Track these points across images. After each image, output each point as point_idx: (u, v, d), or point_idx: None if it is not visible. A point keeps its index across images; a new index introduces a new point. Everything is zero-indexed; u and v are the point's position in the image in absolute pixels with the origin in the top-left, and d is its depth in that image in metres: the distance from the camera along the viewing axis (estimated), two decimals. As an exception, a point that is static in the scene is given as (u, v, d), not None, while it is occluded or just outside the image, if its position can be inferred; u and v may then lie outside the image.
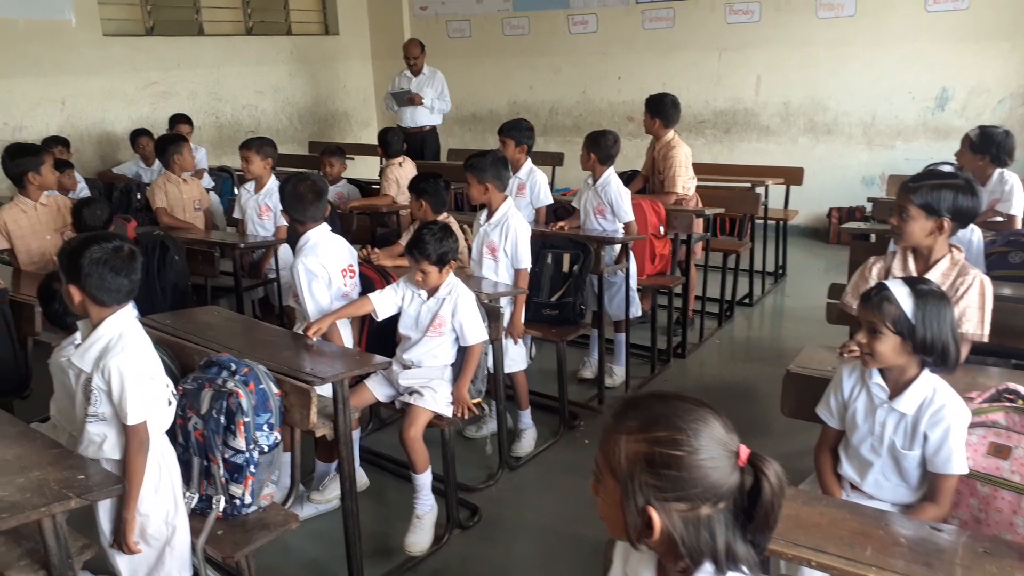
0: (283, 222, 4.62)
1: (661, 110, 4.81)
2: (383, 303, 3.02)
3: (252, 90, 7.90)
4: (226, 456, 2.33)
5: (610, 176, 4.11)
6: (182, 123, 6.33)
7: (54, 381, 2.49)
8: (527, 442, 3.68)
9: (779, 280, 6.18)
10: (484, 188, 3.60)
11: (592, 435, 3.85)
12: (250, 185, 4.66)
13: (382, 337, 3.28)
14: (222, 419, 2.32)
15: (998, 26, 6.26)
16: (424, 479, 2.94)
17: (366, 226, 5.20)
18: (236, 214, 4.70)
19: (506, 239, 3.54)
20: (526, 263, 3.57)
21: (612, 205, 4.07)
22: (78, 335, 2.22)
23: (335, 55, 8.76)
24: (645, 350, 4.58)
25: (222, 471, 2.32)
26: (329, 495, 3.14)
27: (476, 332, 2.99)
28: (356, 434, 3.04)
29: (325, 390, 2.47)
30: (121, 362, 2.07)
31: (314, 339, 2.77)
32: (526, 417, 3.72)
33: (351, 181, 5.94)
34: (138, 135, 6.24)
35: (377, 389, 3.08)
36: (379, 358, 2.70)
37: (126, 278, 2.11)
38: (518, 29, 8.32)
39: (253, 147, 4.54)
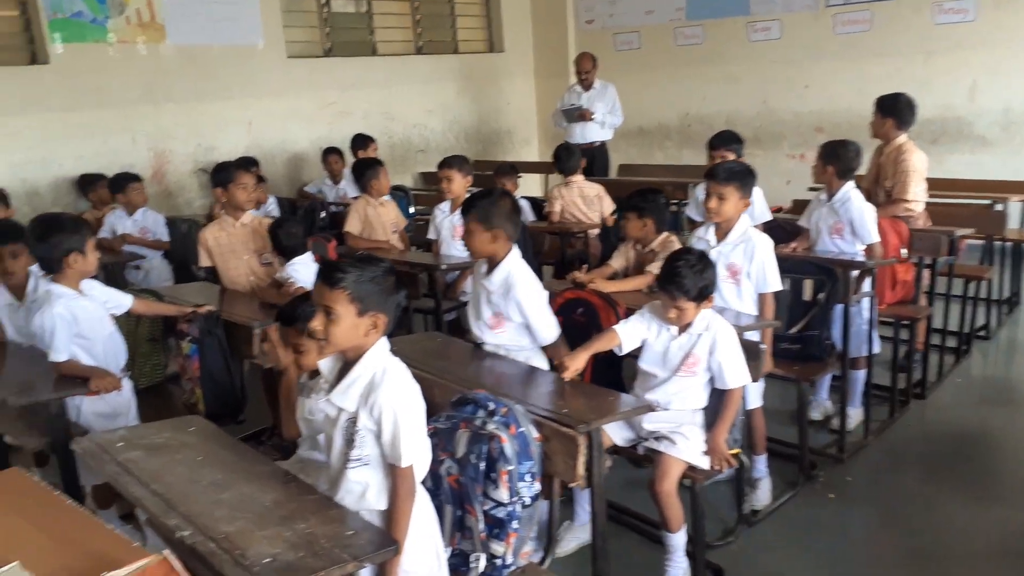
0: None
1: (895, 109, 4.27)
2: (629, 336, 2.68)
3: (421, 109, 7.87)
4: (486, 508, 2.05)
5: (850, 191, 3.62)
6: (371, 143, 6.33)
7: (301, 423, 2.28)
8: (764, 493, 3.24)
9: (1013, 309, 5.41)
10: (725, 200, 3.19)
11: (835, 488, 3.36)
12: (445, 205, 4.51)
13: (607, 369, 2.95)
14: (482, 465, 2.04)
15: None
16: (678, 539, 2.57)
17: (556, 247, 4.93)
18: (430, 235, 4.55)
19: (751, 259, 3.12)
20: (776, 285, 3.15)
21: (853, 224, 3.58)
22: (322, 369, 2.00)
23: (499, 73, 8.64)
24: (880, 389, 4.03)
25: (482, 525, 2.04)
26: (565, 547, 2.82)
27: (738, 374, 2.60)
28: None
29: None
30: (393, 398, 1.83)
31: (569, 377, 2.47)
32: (761, 464, 3.28)
33: (525, 199, 5.72)
34: (328, 153, 6.29)
35: (615, 432, 2.73)
36: (640, 400, 2.36)
37: (396, 305, 1.89)
38: (692, 38, 7.90)
39: (455, 165, 4.38)
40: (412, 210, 6.22)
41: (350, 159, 6.59)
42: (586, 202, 5.15)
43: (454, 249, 4.38)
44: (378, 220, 4.80)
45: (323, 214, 6.05)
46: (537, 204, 6.02)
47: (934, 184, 5.54)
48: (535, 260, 4.84)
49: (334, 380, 1.95)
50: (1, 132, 5.15)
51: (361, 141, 6.35)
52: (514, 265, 2.77)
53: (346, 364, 1.93)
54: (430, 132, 8.01)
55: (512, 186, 5.62)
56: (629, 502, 3.12)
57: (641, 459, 2.70)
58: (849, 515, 3.20)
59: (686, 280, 2.55)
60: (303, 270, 3.63)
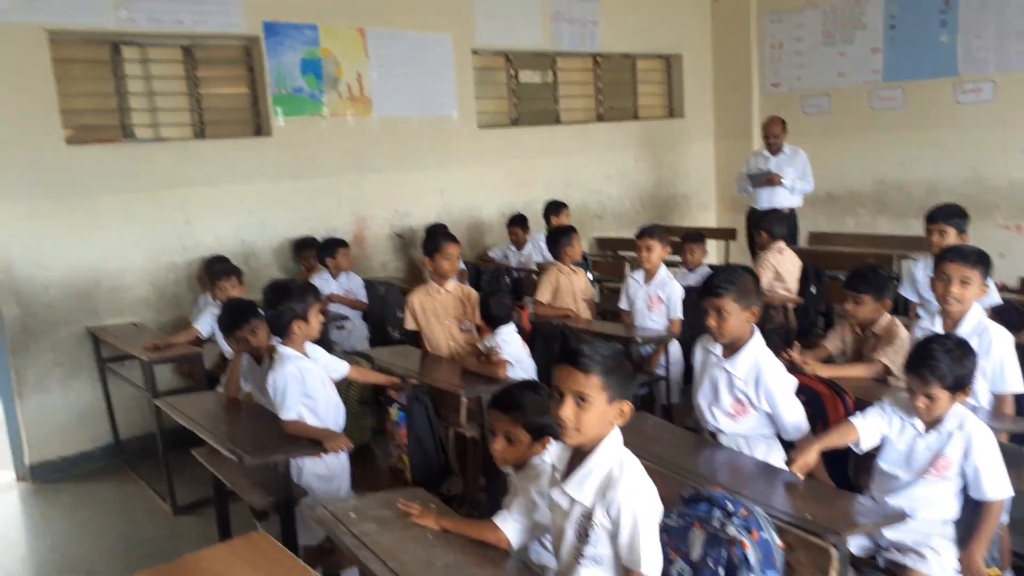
0: (677, 315, 4.34)
1: None
2: (869, 431, 2.49)
3: (600, 175, 7.94)
4: (726, 619, 1.93)
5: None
6: (563, 209, 6.46)
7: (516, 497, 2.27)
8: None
9: None
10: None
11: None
12: (639, 275, 4.46)
13: (832, 464, 2.74)
14: (721, 572, 1.93)
15: None
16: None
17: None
18: (622, 304, 4.51)
19: (987, 355, 2.83)
20: (1017, 385, 2.84)
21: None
22: (549, 457, 1.98)
23: (678, 138, 8.59)
24: None
25: (720, 637, 1.92)
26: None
27: (999, 483, 2.33)
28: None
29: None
30: (632, 497, 1.78)
31: (799, 472, 2.32)
32: (1005, 582, 2.92)
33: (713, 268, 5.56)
34: (514, 222, 6.46)
35: (850, 539, 2.52)
36: (887, 506, 2.17)
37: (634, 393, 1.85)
38: (889, 101, 7.50)
39: (656, 235, 4.35)
40: (590, 276, 6.24)
41: (533, 224, 6.78)
42: (787, 272, 4.94)
43: (649, 321, 4.31)
44: (569, 288, 4.83)
45: (507, 279, 6.19)
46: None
47: None
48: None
49: (565, 470, 1.92)
50: (228, 197, 5.68)
51: (555, 207, 6.49)
52: (761, 348, 2.64)
53: (576, 453, 1.89)
54: (607, 198, 8.05)
55: (700, 254, 5.52)
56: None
57: (880, 572, 2.47)
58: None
59: (942, 364, 2.34)
60: (511, 341, 3.68)
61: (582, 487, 1.86)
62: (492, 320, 3.82)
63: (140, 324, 5.23)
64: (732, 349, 2.69)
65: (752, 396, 2.62)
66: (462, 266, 5.90)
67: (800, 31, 8.01)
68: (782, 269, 5.03)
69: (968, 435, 2.36)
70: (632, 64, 8.24)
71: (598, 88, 8.01)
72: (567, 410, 1.83)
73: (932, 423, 2.42)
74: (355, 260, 6.07)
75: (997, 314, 3.81)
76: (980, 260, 2.90)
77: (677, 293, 4.38)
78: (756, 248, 6.67)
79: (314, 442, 2.99)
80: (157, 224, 5.37)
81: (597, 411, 1.82)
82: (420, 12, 6.46)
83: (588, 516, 1.84)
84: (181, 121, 5.66)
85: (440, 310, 4.19)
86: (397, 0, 6.32)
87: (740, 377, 2.65)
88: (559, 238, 4.83)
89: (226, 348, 4.55)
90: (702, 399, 2.80)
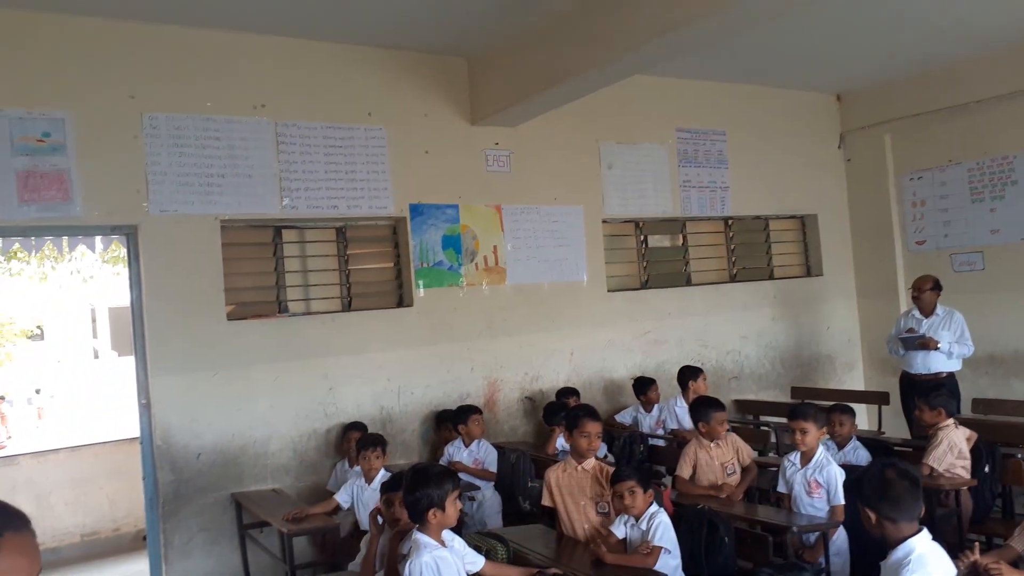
0: (839, 501, 4.02)
1: None
2: None
3: (736, 335, 7.73)
4: None
5: None
6: (700, 374, 6.32)
7: None
8: None
9: None
10: None
11: None
12: (795, 456, 4.19)
13: None
14: None
15: None
16: None
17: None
18: (780, 488, 4.22)
19: None
20: None
21: None
22: None
23: (817, 296, 8.31)
24: None
25: None
26: None
27: None
28: None
29: None
30: None
31: None
32: None
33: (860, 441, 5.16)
34: (646, 385, 6.34)
35: None
36: None
37: None
38: (1050, 256, 7.01)
39: (809, 416, 4.10)
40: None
41: (666, 388, 6.62)
42: (964, 450, 4.50)
43: (810, 507, 4.00)
44: (709, 463, 4.59)
45: (641, 446, 5.98)
46: (879, 444, 5.42)
47: None
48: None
49: None
50: (370, 365, 5.89)
51: (692, 372, 6.34)
52: (925, 547, 2.44)
53: None
54: (744, 358, 7.79)
55: (851, 427, 5.15)
56: None
57: None
58: None
59: None
60: (668, 524, 3.49)
61: None
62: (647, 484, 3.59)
63: (279, 490, 5.36)
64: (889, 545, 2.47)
65: None
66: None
67: (944, 188, 7.76)
68: (962, 446, 4.57)
69: None
70: (765, 224, 8.18)
71: (730, 249, 7.96)
72: None
73: None
74: (488, 423, 6.07)
75: None
76: None
77: (837, 477, 4.07)
78: (913, 418, 6.16)
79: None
80: (302, 392, 5.61)
81: None
82: (553, 188, 6.76)
83: None
84: (331, 295, 6.02)
85: (576, 489, 4.04)
86: (533, 179, 6.65)
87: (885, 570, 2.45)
88: (700, 408, 4.65)
89: (362, 519, 4.57)
90: None
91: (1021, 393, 7.08)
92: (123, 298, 5.65)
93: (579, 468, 4.05)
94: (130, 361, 5.43)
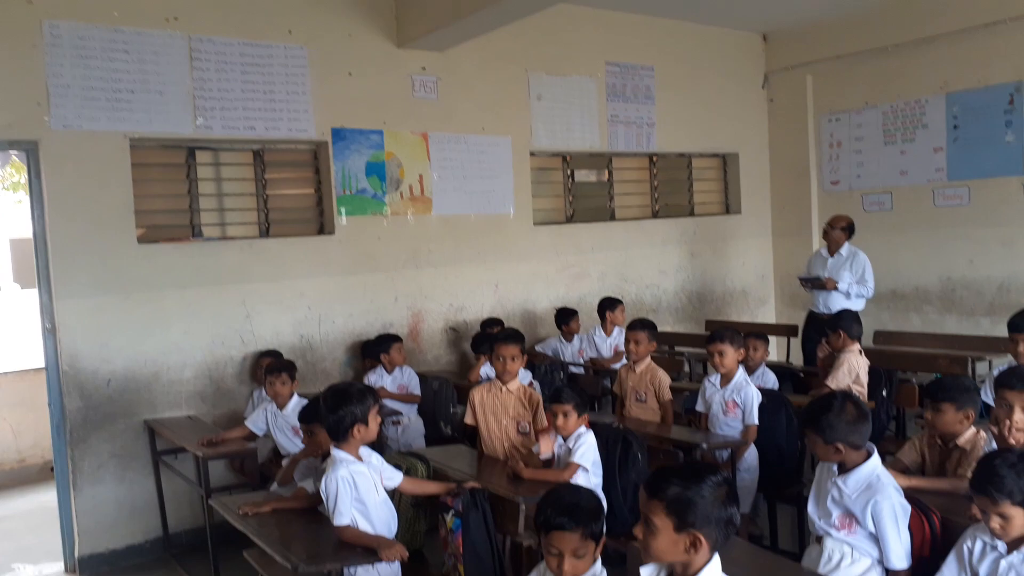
0: (753, 421, 4.23)
1: None
2: None
3: (656, 270, 7.90)
4: None
5: None
6: (619, 305, 6.44)
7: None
8: None
9: None
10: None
11: None
12: (715, 378, 4.37)
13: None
14: None
15: None
16: None
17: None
18: (699, 407, 4.40)
19: None
20: None
21: None
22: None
23: (735, 233, 8.54)
24: None
25: None
26: None
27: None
28: None
29: None
30: None
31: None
32: None
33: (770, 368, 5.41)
34: (567, 316, 6.43)
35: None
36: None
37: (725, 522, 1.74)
38: (954, 199, 7.36)
39: (727, 339, 4.27)
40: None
41: (587, 320, 6.74)
42: (863, 375, 4.77)
43: (725, 426, 4.20)
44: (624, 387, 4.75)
45: (562, 375, 6.10)
46: (784, 371, 5.68)
47: None
48: (800, 440, 4.48)
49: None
50: (289, 293, 5.77)
51: (610, 303, 6.46)
52: (880, 470, 2.60)
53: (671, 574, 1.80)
54: (662, 292, 7.98)
55: (763, 352, 5.37)
56: None
57: None
58: None
59: (1007, 480, 2.22)
60: (592, 445, 3.60)
61: None
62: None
63: (195, 417, 5.26)
64: (846, 465, 2.64)
65: (859, 513, 2.58)
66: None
67: (859, 130, 8.00)
68: (860, 372, 4.84)
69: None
70: (688, 162, 8.30)
71: (653, 186, 8.06)
72: (637, 529, 1.77)
73: (1014, 543, 2.23)
74: (410, 354, 6.07)
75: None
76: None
77: (754, 398, 4.26)
78: (810, 351, 6.45)
79: (368, 550, 2.89)
80: (218, 319, 5.47)
81: (663, 538, 1.76)
82: (481, 118, 6.65)
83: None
84: (248, 220, 5.84)
85: (500, 408, 4.11)
86: (460, 108, 6.53)
87: (848, 493, 2.60)
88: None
89: (284, 444, 4.54)
90: (814, 505, 2.75)
91: (918, 326, 7.50)
92: (25, 228, 5.35)
93: (503, 389, 4.11)
94: (34, 294, 5.17)
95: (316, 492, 3.21)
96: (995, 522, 2.24)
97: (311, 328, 5.89)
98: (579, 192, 7.57)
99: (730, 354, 4.29)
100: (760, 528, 4.42)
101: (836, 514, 2.61)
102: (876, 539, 2.56)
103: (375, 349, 5.69)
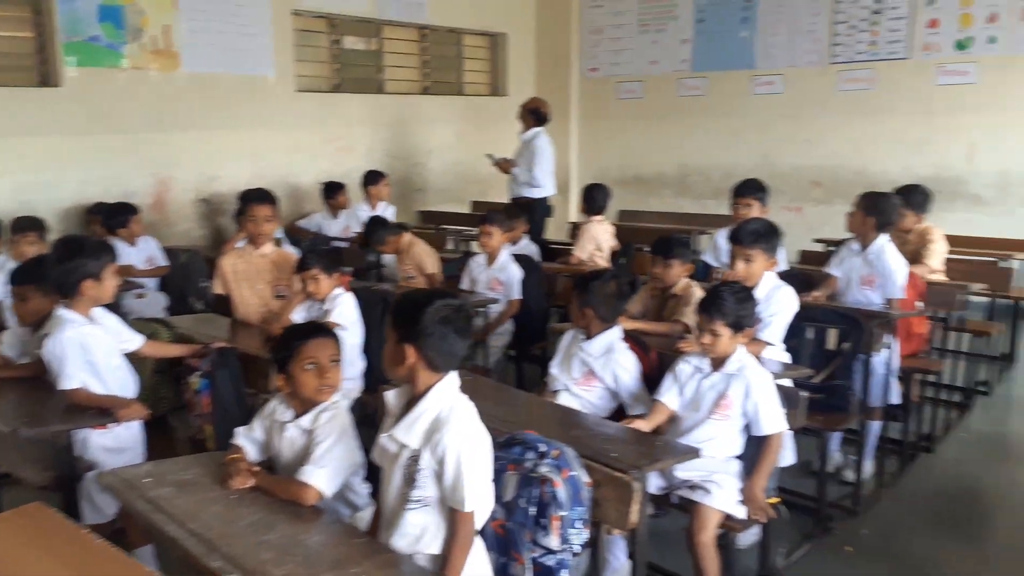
0: (516, 296, 4.46)
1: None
2: (673, 399, 2.72)
3: (424, 149, 7.89)
4: (535, 556, 1.97)
5: (885, 244, 3.65)
6: (382, 178, 6.31)
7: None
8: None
9: (1010, 366, 5.44)
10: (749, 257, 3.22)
11: (851, 541, 3.31)
12: (481, 258, 4.54)
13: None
14: (532, 510, 1.97)
15: None
16: (714, 594, 2.50)
17: (570, 288, 4.90)
18: (464, 285, 4.55)
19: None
20: (772, 338, 3.17)
21: (884, 277, 3.60)
22: (388, 402, 1.94)
23: (503, 115, 8.68)
24: (889, 442, 4.00)
25: (530, 574, 1.97)
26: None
27: (775, 420, 2.57)
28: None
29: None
30: (458, 438, 1.78)
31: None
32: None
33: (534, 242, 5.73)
34: (335, 189, 6.25)
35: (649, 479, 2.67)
36: (684, 445, 2.32)
37: (464, 341, 1.84)
38: (695, 90, 8.03)
39: (496, 221, 4.43)
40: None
41: (353, 195, 6.62)
42: (605, 244, 5.20)
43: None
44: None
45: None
46: (545, 246, 6.02)
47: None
48: (547, 303, 4.83)
49: (398, 415, 1.90)
50: (7, 154, 5.06)
51: (373, 177, 6.33)
52: (618, 340, 2.93)
53: (412, 399, 1.88)
54: (429, 172, 8.02)
55: (523, 228, 5.64)
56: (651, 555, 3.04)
57: (668, 508, 2.65)
58: (866, 568, 3.15)
59: (727, 304, 2.58)
60: (350, 304, 3.60)
61: (411, 431, 1.84)
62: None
63: None
64: (590, 333, 2.96)
65: (599, 371, 2.92)
66: (279, 234, 5.64)
67: (618, 18, 8.36)
68: (601, 240, 5.27)
69: (748, 378, 2.59)
70: (458, 39, 8.23)
71: (424, 60, 7.94)
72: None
73: (717, 365, 2.63)
74: (155, 226, 5.64)
75: (785, 279, 4.22)
76: (758, 239, 3.17)
77: (516, 276, 4.50)
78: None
79: (102, 411, 2.72)
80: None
81: (390, 350, 1.88)
82: (234, -36, 6.08)
83: (415, 459, 1.82)
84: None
85: (253, 274, 3.97)
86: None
87: (592, 356, 2.93)
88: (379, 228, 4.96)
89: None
90: (558, 365, 3.04)
91: (657, 207, 8.23)
92: None
93: (255, 254, 3.96)
94: None
95: (37, 360, 2.92)
96: (707, 338, 2.62)
97: (36, 194, 5.24)
98: (347, 60, 7.26)
99: (497, 235, 4.49)
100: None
101: (579, 373, 2.92)
102: (610, 393, 2.91)
103: (109, 221, 5.17)
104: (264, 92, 6.43)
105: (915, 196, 4.33)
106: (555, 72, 8.79)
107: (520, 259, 4.80)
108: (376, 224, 5.16)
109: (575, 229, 5.45)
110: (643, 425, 2.60)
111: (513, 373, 4.78)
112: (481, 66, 8.61)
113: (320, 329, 2.29)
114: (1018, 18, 6.38)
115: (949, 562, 3.17)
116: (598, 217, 5.30)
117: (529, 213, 5.96)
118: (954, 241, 5.32)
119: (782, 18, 7.42)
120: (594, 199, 5.31)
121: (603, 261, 5.17)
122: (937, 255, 4.27)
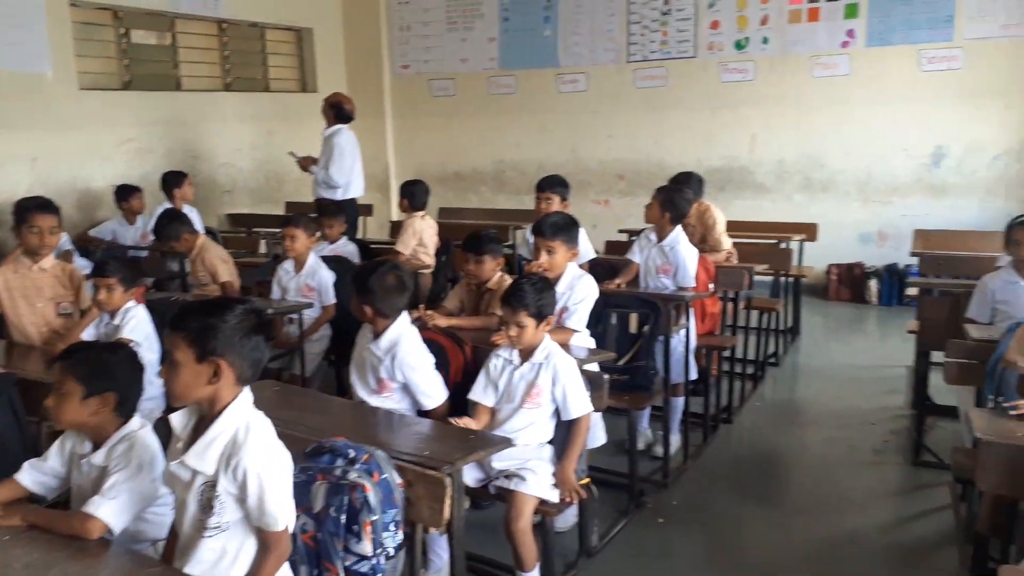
0: (329, 301, 4.33)
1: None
2: (488, 395, 2.75)
3: (230, 148, 7.52)
4: (348, 564, 1.94)
5: (679, 236, 3.92)
6: (185, 179, 5.92)
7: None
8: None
9: (795, 339, 6.05)
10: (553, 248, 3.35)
11: (663, 512, 3.54)
12: (289, 264, 4.36)
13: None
14: (343, 518, 1.94)
15: (991, 85, 6.46)
16: (533, 577, 2.58)
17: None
18: (275, 295, 4.37)
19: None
20: (577, 324, 3.33)
21: (678, 267, 3.87)
22: (174, 426, 1.82)
23: (313, 112, 8.41)
24: (694, 416, 4.32)
25: (344, 583, 1.94)
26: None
27: (581, 403, 2.69)
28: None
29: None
30: (258, 459, 1.70)
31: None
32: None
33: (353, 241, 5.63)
34: (129, 192, 5.79)
35: (466, 473, 2.70)
36: (498, 436, 2.37)
37: (267, 349, 1.77)
38: (505, 87, 8.22)
39: (301, 224, 4.27)
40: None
41: (151, 201, 6.18)
42: (429, 240, 5.22)
43: (305, 311, 4.26)
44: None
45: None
46: (359, 242, 5.93)
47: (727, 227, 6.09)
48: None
49: (188, 439, 1.78)
50: None
51: (174, 178, 5.91)
52: (404, 331, 2.79)
53: (202, 420, 1.77)
54: (238, 172, 7.66)
55: (339, 227, 5.52)
56: (476, 547, 3.09)
57: (486, 499, 2.71)
58: (678, 537, 3.39)
59: (527, 295, 2.66)
60: (143, 319, 3.35)
61: (204, 457, 1.73)
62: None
63: None
64: (378, 331, 2.80)
65: (389, 371, 2.76)
66: (68, 245, 5.17)
67: (426, 15, 8.38)
68: (425, 236, 5.30)
69: (554, 365, 2.70)
70: (261, 34, 7.90)
71: (224, 56, 7.55)
72: (162, 371, 1.74)
73: (525, 356, 2.72)
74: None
75: (591, 267, 4.43)
76: (558, 232, 3.31)
77: (327, 280, 4.36)
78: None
79: None
80: None
81: (187, 372, 1.71)
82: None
83: (212, 485, 1.71)
84: None
85: (32, 290, 3.60)
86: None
87: (380, 356, 2.76)
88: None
89: None
90: (356, 377, 2.88)
91: (476, 203, 8.35)
92: None
93: (34, 268, 3.59)
94: None
95: None
96: (513, 330, 2.67)
97: None
98: (137, 55, 6.76)
99: (302, 239, 4.31)
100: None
101: (374, 379, 2.79)
102: (407, 390, 2.78)
103: None
104: (42, 90, 5.84)
105: (691, 183, 4.70)
106: (366, 68, 8.66)
107: (337, 260, 4.70)
108: (168, 218, 4.83)
109: (396, 227, 5.42)
110: (472, 423, 2.62)
111: (334, 379, 4.68)
112: (288, 62, 8.32)
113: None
114: (786, 20, 7.08)
115: (751, 523, 3.45)
116: (420, 213, 5.30)
117: (410, 193, 5.62)
118: (741, 226, 5.85)
119: (582, 18, 7.76)
120: (414, 195, 5.32)
121: (428, 258, 5.18)
122: (724, 236, 4.66)
